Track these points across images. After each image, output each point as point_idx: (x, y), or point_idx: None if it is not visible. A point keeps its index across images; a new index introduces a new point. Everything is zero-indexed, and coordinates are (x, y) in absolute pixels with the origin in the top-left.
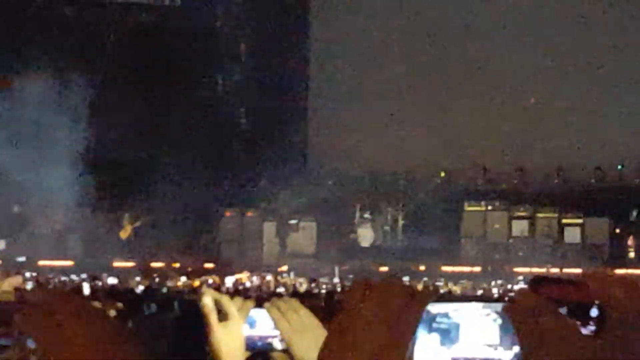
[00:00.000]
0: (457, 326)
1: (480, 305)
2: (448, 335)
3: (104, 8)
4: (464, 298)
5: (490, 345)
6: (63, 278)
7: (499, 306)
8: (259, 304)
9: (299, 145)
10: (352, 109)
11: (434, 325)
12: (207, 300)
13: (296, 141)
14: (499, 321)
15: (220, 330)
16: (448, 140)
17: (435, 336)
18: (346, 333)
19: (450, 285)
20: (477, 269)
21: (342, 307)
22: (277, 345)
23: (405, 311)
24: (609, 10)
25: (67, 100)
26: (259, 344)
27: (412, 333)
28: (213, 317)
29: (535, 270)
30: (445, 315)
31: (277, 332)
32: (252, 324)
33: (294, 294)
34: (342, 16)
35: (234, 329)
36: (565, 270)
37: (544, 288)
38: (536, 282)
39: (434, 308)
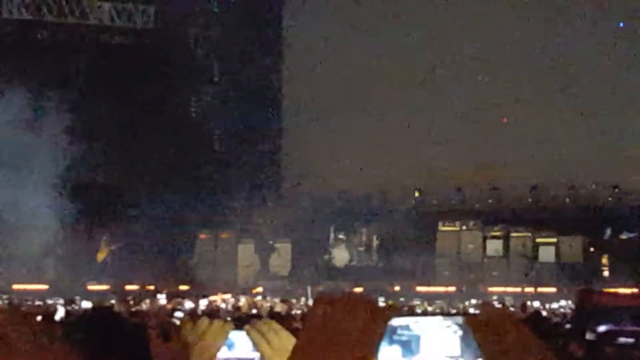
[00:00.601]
0: (417, 338)
1: (440, 318)
2: (409, 347)
3: (78, 31)
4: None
5: (451, 357)
6: (37, 302)
7: (460, 319)
8: (237, 326)
9: (273, 167)
10: (326, 131)
11: (395, 337)
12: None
13: (270, 163)
14: (460, 333)
15: (196, 353)
16: (422, 161)
17: (397, 348)
18: (311, 348)
19: (425, 305)
20: (452, 288)
21: (306, 323)
22: None
23: (368, 326)
24: (583, 32)
25: (41, 123)
26: None
27: (376, 347)
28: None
29: (510, 289)
30: (406, 327)
31: (257, 354)
32: (230, 346)
33: (269, 315)
34: (315, 39)
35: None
36: (540, 289)
37: (596, 296)
38: (586, 292)
39: (395, 321)
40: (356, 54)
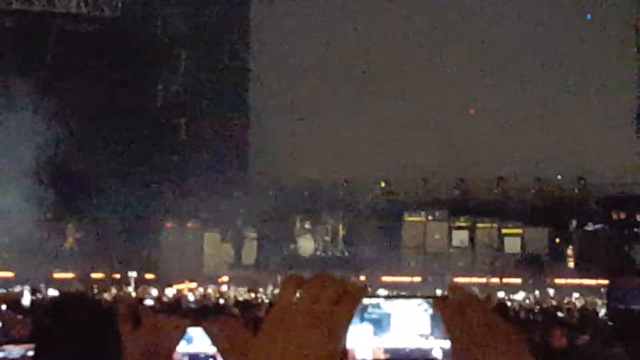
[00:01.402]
0: (388, 316)
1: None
2: (380, 325)
3: (44, 18)
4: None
5: (421, 335)
6: (1, 290)
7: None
8: (197, 319)
9: (240, 156)
10: (292, 120)
11: (366, 315)
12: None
13: (236, 151)
14: (430, 312)
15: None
16: (388, 151)
17: (367, 326)
18: (280, 329)
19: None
20: (418, 279)
21: (275, 303)
22: None
23: (338, 306)
24: (550, 25)
25: (6, 109)
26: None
27: (346, 327)
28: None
29: (475, 280)
30: (377, 305)
31: (214, 350)
32: (189, 341)
33: (235, 304)
34: (283, 25)
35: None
36: (506, 280)
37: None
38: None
39: (366, 299)
40: (326, 43)
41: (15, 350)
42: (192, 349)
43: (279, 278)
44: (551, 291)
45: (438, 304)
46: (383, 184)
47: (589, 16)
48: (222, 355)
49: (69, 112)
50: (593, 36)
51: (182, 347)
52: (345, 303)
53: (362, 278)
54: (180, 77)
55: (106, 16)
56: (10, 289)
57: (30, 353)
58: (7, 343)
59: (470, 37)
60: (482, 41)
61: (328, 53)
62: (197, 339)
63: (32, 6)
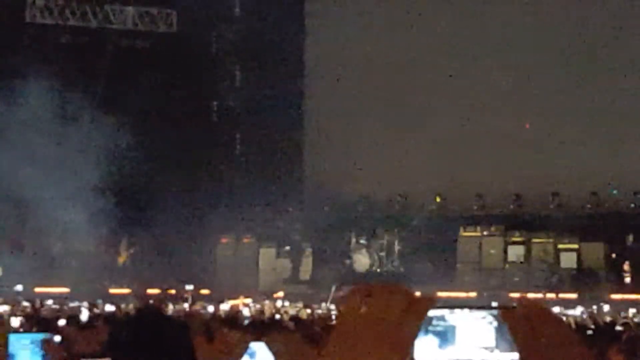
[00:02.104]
0: (453, 329)
1: (476, 310)
2: (445, 337)
3: (100, 34)
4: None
5: (486, 348)
6: (54, 306)
7: (495, 311)
8: (257, 335)
9: (295, 171)
10: (348, 134)
11: (431, 327)
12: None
13: (292, 167)
14: (495, 324)
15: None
16: (443, 165)
17: (432, 338)
18: (348, 338)
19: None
20: (473, 294)
21: (342, 311)
22: None
23: (405, 316)
24: (600, 33)
25: (63, 125)
26: None
27: (413, 338)
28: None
29: (531, 295)
30: (442, 318)
31: None
32: (252, 355)
33: (291, 319)
34: (339, 41)
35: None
36: (561, 295)
37: None
38: None
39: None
40: (379, 58)
41: None
42: None
43: (335, 289)
44: (606, 307)
45: (506, 315)
46: (438, 199)
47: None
48: None
49: (125, 128)
50: None
51: None
52: (414, 313)
53: (417, 293)
54: (234, 92)
55: (162, 32)
56: (65, 305)
57: None
58: (78, 357)
59: (526, 50)
60: (539, 54)
61: (384, 67)
62: (259, 353)
63: (88, 23)
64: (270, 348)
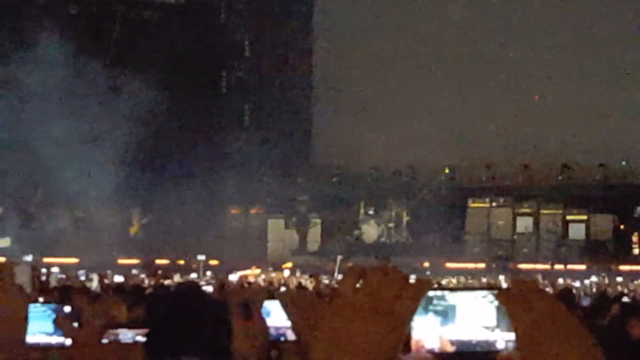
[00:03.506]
0: (453, 308)
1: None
2: (445, 316)
3: (108, 5)
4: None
5: (487, 327)
6: (61, 275)
7: (494, 292)
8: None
9: (304, 142)
10: (356, 106)
11: (431, 307)
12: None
13: (300, 138)
14: (496, 303)
15: None
16: (452, 137)
17: (432, 317)
18: (341, 318)
19: (455, 281)
20: (482, 265)
21: (336, 292)
22: (290, 336)
23: (399, 298)
24: (612, 5)
25: (71, 95)
26: (273, 334)
27: (408, 319)
28: None
29: (540, 266)
30: (442, 297)
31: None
32: (267, 314)
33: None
34: (347, 12)
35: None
36: (570, 266)
37: None
38: None
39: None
40: (388, 29)
41: (129, 334)
42: (269, 322)
43: (340, 261)
44: (618, 278)
45: (501, 296)
46: (447, 170)
47: None
48: (294, 327)
49: (132, 99)
50: None
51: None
52: (409, 296)
53: (426, 264)
54: (244, 64)
55: (171, 3)
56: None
57: (140, 338)
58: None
59: (535, 23)
60: (548, 28)
61: (393, 40)
62: (274, 314)
63: None
64: (282, 304)
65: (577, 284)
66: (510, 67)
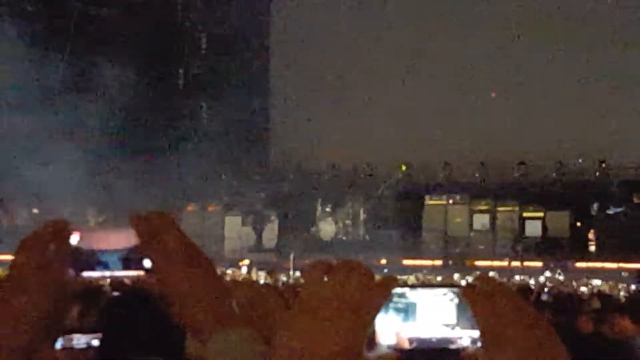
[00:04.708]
0: (414, 306)
1: (437, 287)
2: (405, 314)
3: (66, 2)
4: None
5: (447, 325)
6: None
7: (456, 289)
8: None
9: (261, 140)
10: (314, 104)
11: (392, 304)
12: None
13: (258, 135)
14: (456, 301)
15: None
16: (409, 134)
17: (392, 315)
18: (305, 314)
19: (412, 278)
20: (439, 262)
21: (301, 288)
22: None
23: (365, 293)
24: (575, 2)
25: (28, 91)
26: None
27: (373, 316)
28: None
29: (497, 263)
30: (402, 295)
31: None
32: None
33: None
34: (305, 9)
35: None
36: (526, 263)
37: None
38: None
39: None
40: (345, 27)
41: (83, 338)
42: None
43: (293, 259)
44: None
45: (466, 292)
46: (404, 168)
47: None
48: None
49: (91, 95)
50: (614, 19)
51: None
52: (375, 293)
53: (383, 261)
54: (201, 61)
55: (129, 0)
56: None
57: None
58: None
59: (491, 21)
60: (504, 25)
61: (349, 36)
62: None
63: None
64: (238, 302)
65: (532, 281)
66: (467, 64)
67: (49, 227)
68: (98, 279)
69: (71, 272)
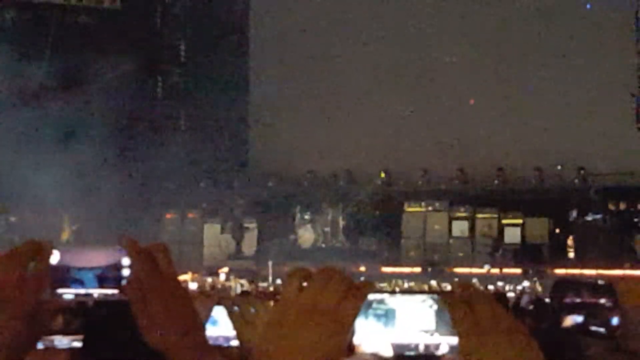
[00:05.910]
0: (393, 312)
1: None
2: (385, 320)
3: (42, 10)
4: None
5: (426, 331)
6: None
7: (435, 295)
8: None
9: (239, 146)
10: (292, 110)
11: (371, 311)
12: None
13: (236, 142)
14: (435, 308)
15: None
16: (387, 141)
17: (372, 321)
18: (285, 321)
19: (392, 285)
20: (418, 269)
21: (280, 295)
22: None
23: (344, 300)
24: (552, 10)
25: (5, 98)
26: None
27: (352, 322)
28: None
29: (475, 270)
30: (382, 301)
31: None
32: (214, 323)
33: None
34: (284, 18)
35: None
36: (505, 270)
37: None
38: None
39: (371, 295)
40: (324, 36)
41: (65, 340)
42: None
43: (277, 269)
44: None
45: (446, 299)
46: (383, 175)
47: (589, 6)
48: (238, 332)
49: (70, 104)
50: (592, 26)
51: (211, 330)
52: (352, 298)
53: (362, 269)
54: (179, 69)
55: (106, 8)
56: None
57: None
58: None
59: (469, 28)
60: (482, 32)
61: (328, 44)
62: (220, 321)
63: None
64: (227, 309)
65: (510, 287)
66: (445, 69)
67: (30, 246)
68: (77, 297)
69: (48, 291)
